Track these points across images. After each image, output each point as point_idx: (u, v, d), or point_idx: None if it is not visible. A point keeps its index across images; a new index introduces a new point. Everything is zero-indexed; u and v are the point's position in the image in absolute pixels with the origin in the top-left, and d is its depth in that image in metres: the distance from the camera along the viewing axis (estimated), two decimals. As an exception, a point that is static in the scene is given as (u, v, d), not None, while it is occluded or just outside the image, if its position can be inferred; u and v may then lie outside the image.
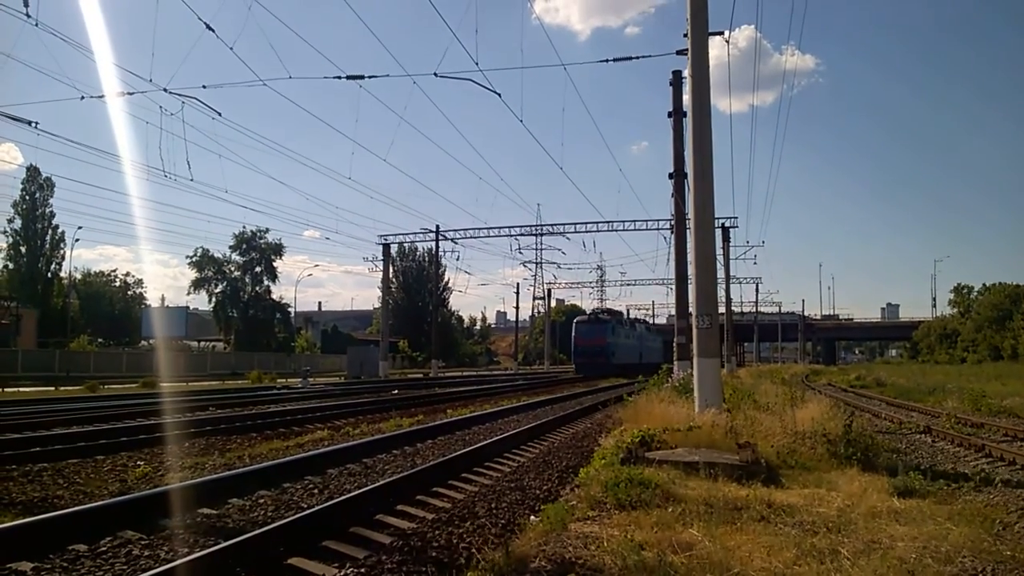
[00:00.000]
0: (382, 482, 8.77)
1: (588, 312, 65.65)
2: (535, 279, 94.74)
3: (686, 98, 17.31)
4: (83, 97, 21.78)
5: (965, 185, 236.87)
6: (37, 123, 20.36)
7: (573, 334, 60.11)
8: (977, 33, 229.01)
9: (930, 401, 24.82)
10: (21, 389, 33.30)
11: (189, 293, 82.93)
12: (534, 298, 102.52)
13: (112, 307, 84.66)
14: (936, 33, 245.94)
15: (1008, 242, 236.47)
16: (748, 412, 12.64)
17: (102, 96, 22.83)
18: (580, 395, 29.67)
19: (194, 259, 77.15)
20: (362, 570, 5.66)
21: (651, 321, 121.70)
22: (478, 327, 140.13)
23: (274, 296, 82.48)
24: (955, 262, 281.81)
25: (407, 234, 60.61)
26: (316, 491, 8.90)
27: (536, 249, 77.11)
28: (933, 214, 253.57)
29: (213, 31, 15.97)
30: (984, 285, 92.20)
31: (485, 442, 12.81)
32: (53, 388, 34.87)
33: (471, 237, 55.36)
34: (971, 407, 20.97)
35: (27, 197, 67.35)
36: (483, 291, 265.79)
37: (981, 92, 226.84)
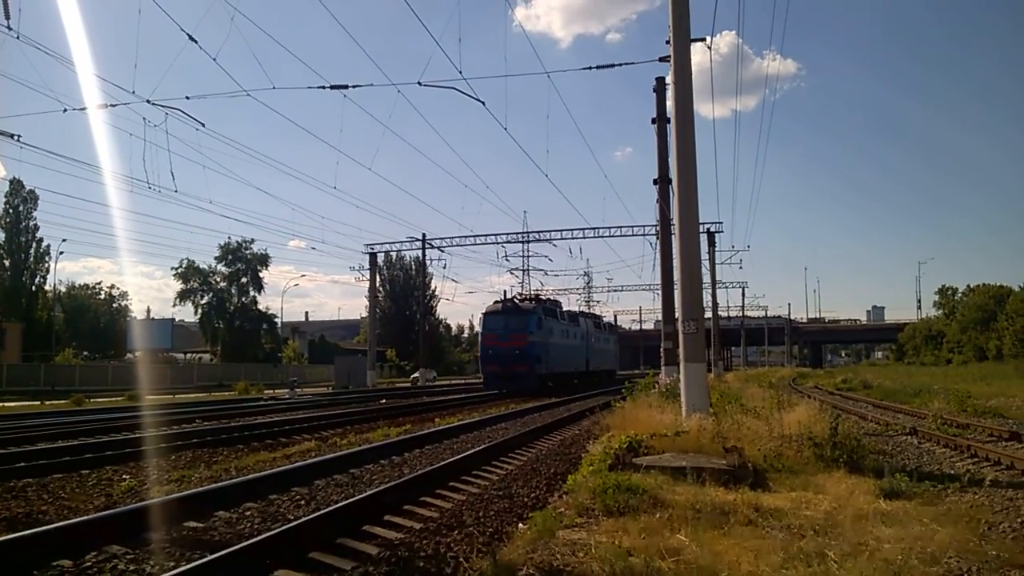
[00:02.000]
0: (369, 492, 8.74)
1: (502, 300, 42.35)
2: (522, 286, 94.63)
3: (669, 104, 17.39)
4: (66, 109, 21.65)
5: (949, 186, 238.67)
6: (19, 136, 20.26)
7: (480, 331, 43.36)
8: (962, 29, 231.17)
9: (916, 402, 24.93)
10: (6, 404, 32.96)
11: (175, 305, 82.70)
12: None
13: (97, 320, 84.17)
14: (918, 32, 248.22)
15: (992, 243, 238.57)
16: (735, 416, 12.67)
17: (85, 108, 22.69)
18: (568, 402, 29.66)
19: (179, 271, 76.95)
20: (349, 581, 5.64)
21: (638, 327, 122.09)
22: (466, 335, 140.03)
23: (260, 307, 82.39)
24: (939, 264, 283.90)
25: (393, 243, 60.55)
26: (303, 502, 8.87)
27: (523, 256, 76.82)
28: (917, 216, 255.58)
29: (196, 42, 15.96)
30: (968, 286, 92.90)
31: (473, 450, 12.79)
32: (38, 402, 34.60)
33: (458, 245, 55.27)
34: (957, 408, 21.07)
35: (10, 210, 66.90)
36: (470, 299, 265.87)
37: (968, 91, 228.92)
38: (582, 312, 58.35)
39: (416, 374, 61.16)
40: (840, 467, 9.63)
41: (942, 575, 5.26)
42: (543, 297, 46.84)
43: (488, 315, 40.74)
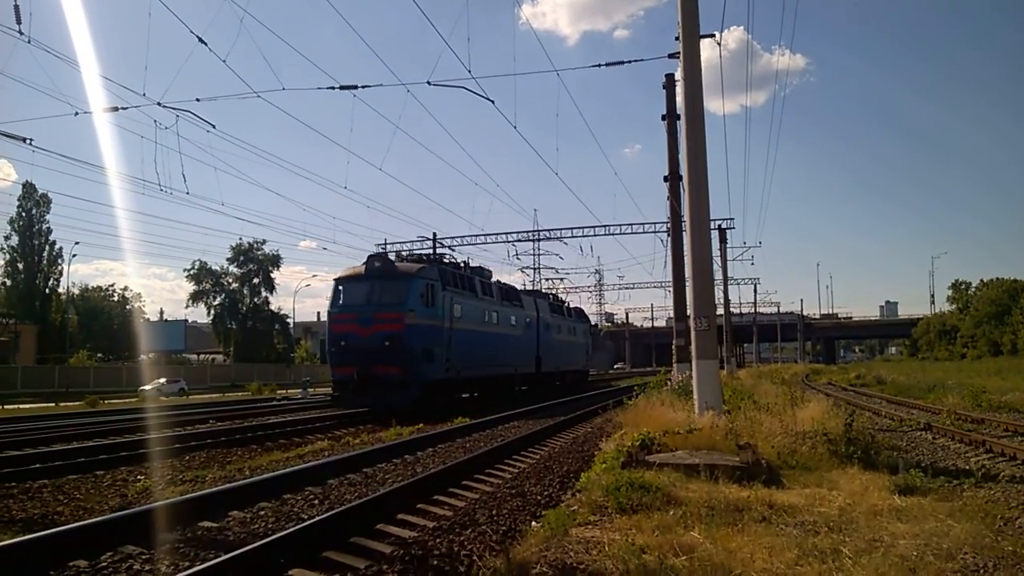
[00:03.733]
0: (382, 491, 8.77)
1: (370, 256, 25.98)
2: (533, 285, 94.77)
3: (679, 100, 17.31)
4: (77, 113, 21.71)
5: (961, 180, 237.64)
6: (31, 140, 20.32)
7: (328, 310, 25.88)
8: (971, 26, 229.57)
9: (930, 398, 24.81)
10: (21, 406, 33.25)
11: (187, 306, 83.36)
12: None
13: (111, 322, 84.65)
14: (927, 27, 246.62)
15: (1005, 237, 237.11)
16: (748, 413, 12.63)
17: (95, 111, 22.78)
18: (582, 399, 29.59)
19: (192, 272, 77.42)
20: (363, 580, 5.64)
21: (650, 324, 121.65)
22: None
23: (272, 307, 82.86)
24: (953, 258, 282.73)
25: (404, 242, 60.35)
26: (317, 502, 8.89)
27: (534, 255, 76.92)
28: (930, 210, 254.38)
29: (206, 44, 15.96)
30: (982, 281, 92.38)
31: (485, 449, 12.81)
32: (53, 404, 34.88)
33: (469, 244, 55.05)
34: (971, 403, 20.99)
35: (23, 214, 67.37)
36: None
37: (977, 86, 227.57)
38: (533, 291, 42.41)
39: None
40: (854, 463, 9.58)
41: (958, 571, 5.23)
42: (453, 261, 29.10)
43: (342, 282, 24.33)
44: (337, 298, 24.11)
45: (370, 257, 24.32)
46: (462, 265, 29.30)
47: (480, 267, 31.63)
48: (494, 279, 32.06)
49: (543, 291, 44.14)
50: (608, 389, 38.51)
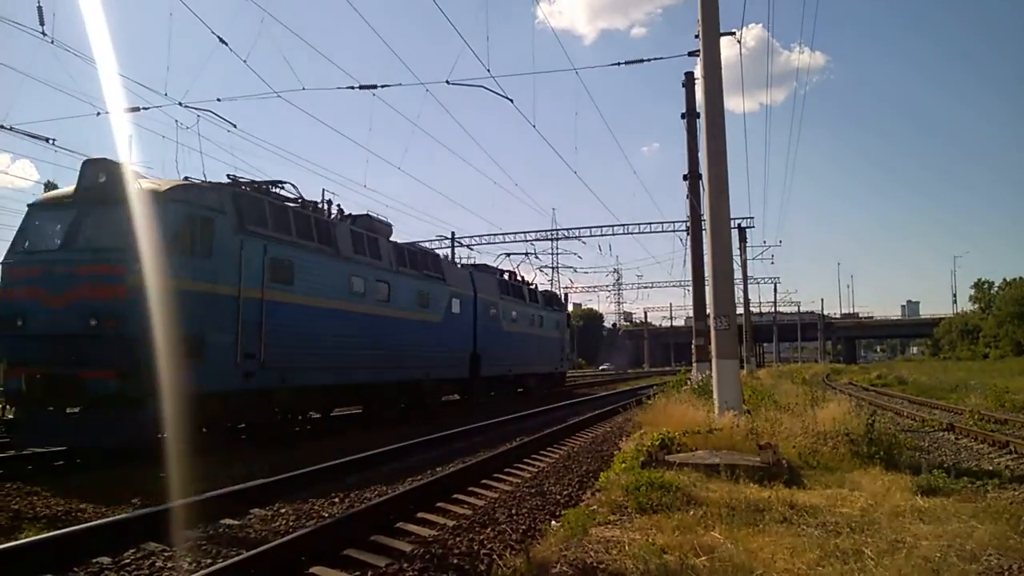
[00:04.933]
0: (402, 490, 8.79)
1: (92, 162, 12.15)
2: (551, 284, 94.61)
3: (698, 99, 17.27)
4: (99, 113, 21.91)
5: (984, 179, 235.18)
6: (54, 140, 20.54)
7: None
8: (981, 22, 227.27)
9: (952, 398, 24.62)
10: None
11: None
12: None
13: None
14: (948, 25, 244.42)
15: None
16: (768, 413, 12.56)
17: (117, 111, 22.96)
18: (598, 399, 29.55)
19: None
20: (384, 578, 5.65)
21: (668, 323, 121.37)
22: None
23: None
24: (975, 257, 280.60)
25: (423, 241, 60.35)
26: (337, 500, 8.93)
27: (552, 254, 76.72)
28: (952, 209, 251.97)
29: (227, 44, 16.07)
30: (1005, 280, 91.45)
31: (505, 447, 12.82)
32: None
33: (487, 243, 55.17)
34: (994, 403, 20.80)
35: (46, 213, 67.97)
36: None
37: (996, 85, 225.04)
38: (473, 264, 31.25)
39: None
40: (876, 464, 9.51)
41: (982, 572, 5.17)
42: (295, 194, 16.26)
43: (34, 211, 12.83)
44: (21, 240, 12.59)
45: (86, 162, 12.47)
46: (324, 206, 17.91)
47: (367, 214, 20.09)
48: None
49: (490, 265, 31.24)
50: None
